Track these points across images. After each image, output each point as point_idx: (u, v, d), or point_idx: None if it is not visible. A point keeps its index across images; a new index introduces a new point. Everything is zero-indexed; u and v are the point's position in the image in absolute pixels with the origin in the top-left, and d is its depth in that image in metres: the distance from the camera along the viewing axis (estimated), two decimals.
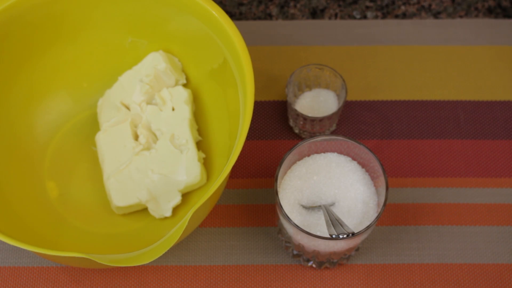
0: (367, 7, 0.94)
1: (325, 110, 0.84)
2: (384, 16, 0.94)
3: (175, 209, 0.78)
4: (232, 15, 0.94)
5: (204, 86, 0.83)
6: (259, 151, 0.86)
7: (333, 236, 0.66)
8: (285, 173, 0.73)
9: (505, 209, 0.83)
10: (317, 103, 0.84)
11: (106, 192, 0.79)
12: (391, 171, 0.85)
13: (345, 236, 0.66)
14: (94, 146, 0.82)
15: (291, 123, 0.86)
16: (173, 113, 0.80)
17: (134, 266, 0.79)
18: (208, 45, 0.78)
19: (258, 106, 0.88)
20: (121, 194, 0.77)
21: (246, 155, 0.86)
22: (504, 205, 0.83)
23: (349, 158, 0.74)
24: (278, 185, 0.71)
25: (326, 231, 0.69)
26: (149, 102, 0.82)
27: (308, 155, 0.74)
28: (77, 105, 0.85)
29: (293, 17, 0.94)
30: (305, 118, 0.82)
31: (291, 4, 0.94)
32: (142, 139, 0.80)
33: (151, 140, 0.80)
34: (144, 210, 0.79)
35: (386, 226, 0.82)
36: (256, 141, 0.86)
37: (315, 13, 0.94)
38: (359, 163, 0.74)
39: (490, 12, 0.94)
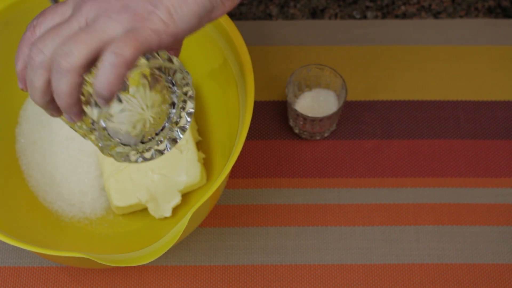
0: (367, 7, 0.94)
1: (325, 110, 0.84)
2: (384, 16, 0.94)
3: (175, 209, 0.78)
4: (232, 15, 0.94)
5: (204, 86, 0.83)
6: (259, 151, 0.86)
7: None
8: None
9: (505, 209, 0.83)
10: (317, 103, 0.84)
11: (106, 192, 0.79)
12: (391, 171, 0.85)
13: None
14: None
15: (291, 123, 0.86)
16: None
17: (134, 266, 0.79)
18: (208, 45, 0.78)
19: (258, 106, 0.88)
20: (121, 194, 0.77)
21: (246, 155, 0.86)
22: (504, 205, 0.83)
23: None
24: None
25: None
26: None
27: None
28: None
29: (293, 17, 0.94)
30: (305, 118, 0.82)
31: (291, 4, 0.94)
32: None
33: None
34: (144, 210, 0.79)
35: (386, 226, 0.82)
36: (256, 141, 0.86)
37: (315, 13, 0.94)
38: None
39: (490, 12, 0.94)
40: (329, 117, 0.82)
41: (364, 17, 0.94)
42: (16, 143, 0.81)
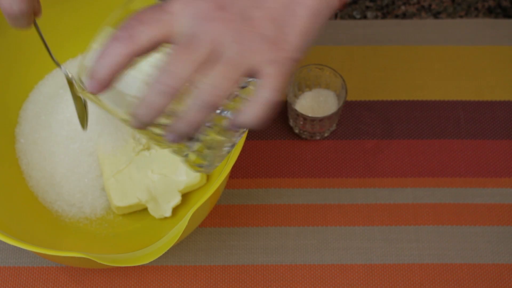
0: (367, 7, 0.94)
1: (325, 110, 0.84)
2: (384, 16, 0.94)
3: (175, 209, 0.78)
4: None
5: None
6: (259, 151, 0.86)
7: None
8: None
9: (505, 209, 0.83)
10: (317, 103, 0.84)
11: (106, 192, 0.79)
12: (391, 171, 0.85)
13: None
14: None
15: (291, 123, 0.86)
16: None
17: (134, 266, 0.79)
18: None
19: None
20: (121, 194, 0.77)
21: (246, 155, 0.86)
22: (504, 205, 0.83)
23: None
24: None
25: None
26: None
27: None
28: None
29: None
30: (305, 118, 0.82)
31: None
32: (142, 139, 0.80)
33: None
34: (144, 210, 0.79)
35: (386, 226, 0.82)
36: (256, 141, 0.86)
37: None
38: None
39: (490, 12, 0.94)
40: (329, 117, 0.82)
41: (364, 17, 0.94)
42: (16, 143, 0.81)
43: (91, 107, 0.77)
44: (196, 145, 0.59)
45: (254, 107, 0.54)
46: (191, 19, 0.53)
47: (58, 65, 0.73)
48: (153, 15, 0.54)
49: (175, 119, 0.55)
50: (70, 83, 0.74)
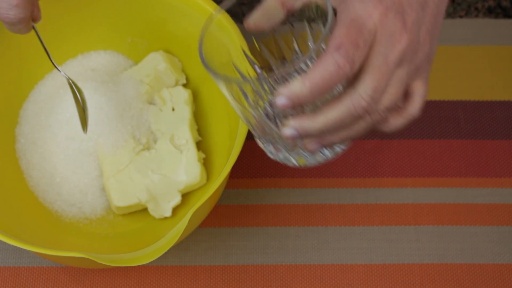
0: None
1: None
2: None
3: (175, 209, 0.78)
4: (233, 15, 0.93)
5: (204, 86, 0.83)
6: (259, 151, 0.86)
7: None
8: None
9: (505, 209, 0.83)
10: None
11: (106, 192, 0.79)
12: (391, 171, 0.85)
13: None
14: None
15: None
16: (173, 113, 0.80)
17: (134, 266, 0.79)
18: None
19: None
20: (121, 194, 0.77)
21: (246, 155, 0.86)
22: (504, 205, 0.83)
23: None
24: None
25: None
26: (150, 102, 0.82)
27: None
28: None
29: None
30: None
31: None
32: (142, 139, 0.80)
33: (151, 140, 0.80)
34: (144, 210, 0.79)
35: (386, 226, 0.82)
36: (256, 141, 0.86)
37: None
38: None
39: (490, 12, 0.94)
40: None
41: None
42: (16, 143, 0.81)
43: (91, 109, 0.78)
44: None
45: (400, 120, 0.56)
46: (388, 44, 0.52)
47: (58, 69, 0.74)
48: (362, 37, 0.51)
49: (335, 136, 0.57)
50: (71, 86, 0.74)
